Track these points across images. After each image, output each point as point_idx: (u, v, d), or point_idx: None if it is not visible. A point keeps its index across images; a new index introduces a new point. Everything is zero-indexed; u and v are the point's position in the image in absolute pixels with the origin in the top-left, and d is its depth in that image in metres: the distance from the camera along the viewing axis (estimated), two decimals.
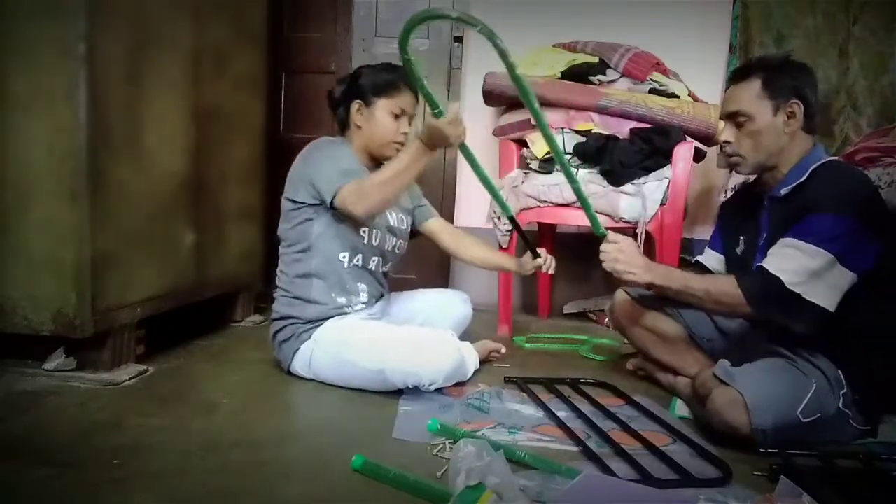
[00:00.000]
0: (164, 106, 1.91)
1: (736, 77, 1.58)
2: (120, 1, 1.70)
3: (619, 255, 1.57)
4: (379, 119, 1.78)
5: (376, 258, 1.83)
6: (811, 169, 1.47)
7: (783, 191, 1.50)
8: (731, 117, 1.55)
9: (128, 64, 1.74)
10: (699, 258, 1.85)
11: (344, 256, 1.76)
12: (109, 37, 1.66)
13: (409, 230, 1.98)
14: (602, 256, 1.60)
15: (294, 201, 1.75)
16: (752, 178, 1.72)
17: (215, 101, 2.18)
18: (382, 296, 1.94)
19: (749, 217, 1.61)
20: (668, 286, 1.56)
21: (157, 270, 1.91)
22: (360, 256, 1.78)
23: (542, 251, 1.86)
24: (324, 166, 1.70)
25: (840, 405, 1.40)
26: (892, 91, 2.77)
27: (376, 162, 1.85)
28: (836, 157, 1.55)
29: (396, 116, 1.79)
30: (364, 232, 1.78)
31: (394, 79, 1.79)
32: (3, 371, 1.68)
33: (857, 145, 2.19)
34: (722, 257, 1.77)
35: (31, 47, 1.59)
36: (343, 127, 1.86)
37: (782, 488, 1.07)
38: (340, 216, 1.72)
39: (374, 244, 1.81)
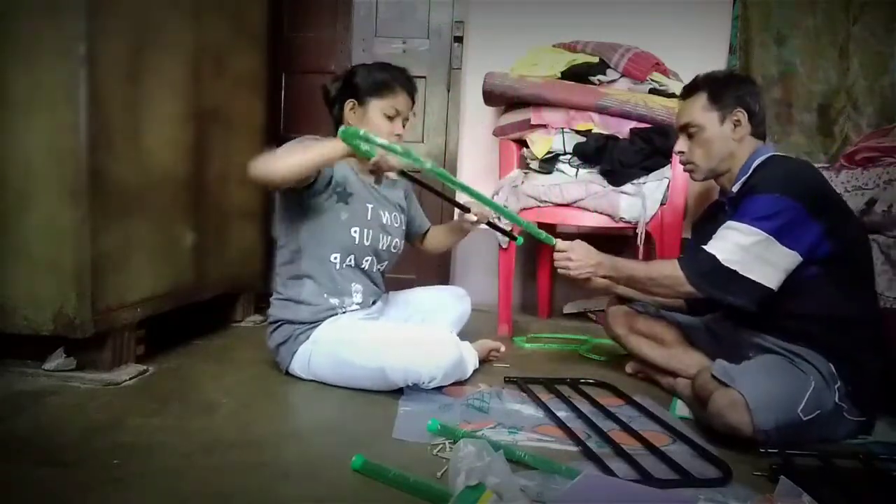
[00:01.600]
0: (164, 106, 1.91)
1: (685, 93, 1.70)
2: (120, 1, 1.70)
3: (569, 262, 1.72)
4: (371, 119, 1.75)
5: (369, 258, 1.81)
6: (755, 164, 1.58)
7: (734, 188, 1.62)
8: (683, 129, 1.68)
9: (128, 64, 1.74)
10: None
11: (335, 258, 1.75)
12: (109, 37, 1.66)
13: (404, 228, 1.95)
14: (556, 264, 1.75)
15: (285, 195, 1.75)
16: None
17: (215, 100, 2.18)
18: (380, 296, 1.93)
19: (717, 224, 1.65)
20: (619, 275, 1.72)
21: (157, 270, 1.91)
22: (351, 257, 1.77)
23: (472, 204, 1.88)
24: None
25: (836, 400, 1.41)
26: (892, 91, 2.77)
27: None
28: (780, 154, 1.63)
29: (390, 118, 1.76)
30: (355, 231, 1.76)
31: (388, 79, 1.76)
32: (3, 371, 1.68)
33: (857, 145, 2.19)
34: None
35: (31, 47, 1.59)
36: (338, 125, 1.82)
37: (782, 488, 1.07)
38: (327, 217, 1.72)
39: (367, 243, 1.78)
